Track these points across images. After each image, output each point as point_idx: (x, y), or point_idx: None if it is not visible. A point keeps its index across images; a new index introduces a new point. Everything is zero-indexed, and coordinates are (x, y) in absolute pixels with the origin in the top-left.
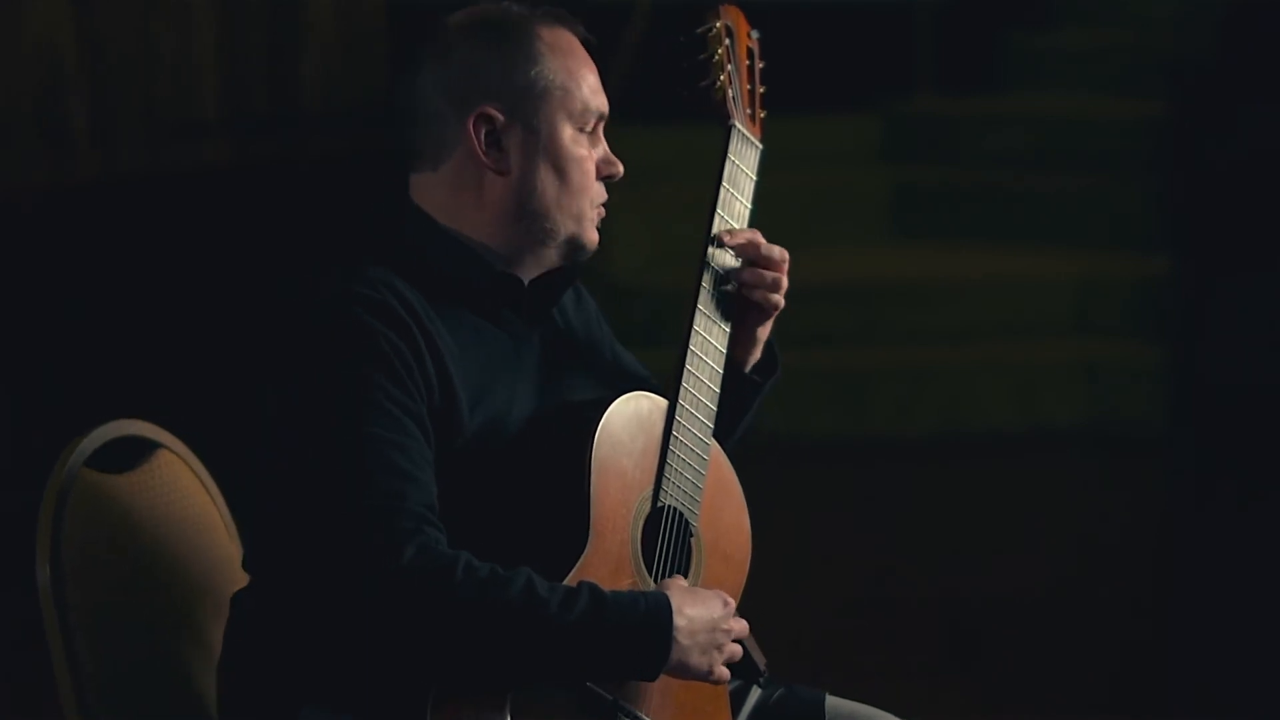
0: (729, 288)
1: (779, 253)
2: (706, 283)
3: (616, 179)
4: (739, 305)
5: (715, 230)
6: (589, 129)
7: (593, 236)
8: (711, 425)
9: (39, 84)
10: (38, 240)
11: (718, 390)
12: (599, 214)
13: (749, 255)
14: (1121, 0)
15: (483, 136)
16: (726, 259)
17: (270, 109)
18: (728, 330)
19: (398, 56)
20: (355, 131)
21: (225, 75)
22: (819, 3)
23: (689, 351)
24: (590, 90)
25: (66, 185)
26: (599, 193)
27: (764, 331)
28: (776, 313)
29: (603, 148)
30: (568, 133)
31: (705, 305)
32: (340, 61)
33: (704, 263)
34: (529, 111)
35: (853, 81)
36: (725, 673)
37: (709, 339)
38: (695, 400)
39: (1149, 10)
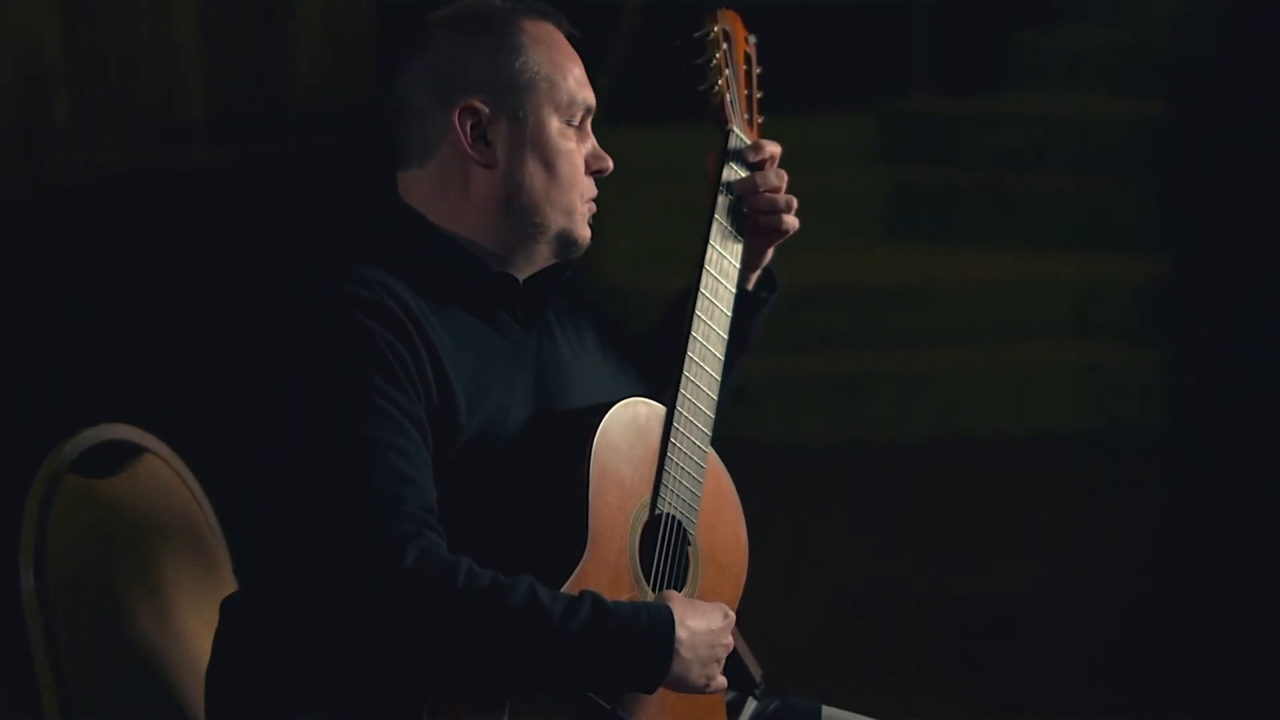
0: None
1: (774, 177)
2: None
3: (606, 174)
4: (751, 229)
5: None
6: (576, 122)
7: (584, 232)
8: (709, 433)
9: (24, 84)
10: (26, 242)
11: (715, 397)
12: (590, 209)
13: (755, 185)
14: (1121, 0)
15: (468, 130)
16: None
17: (259, 109)
18: (725, 337)
19: (388, 56)
20: (346, 131)
21: (213, 75)
22: (816, 1)
23: (687, 358)
24: (576, 83)
25: (52, 186)
26: (589, 187)
27: (769, 254)
28: (790, 234)
29: (591, 142)
30: (554, 125)
31: (704, 311)
32: (330, 61)
33: (702, 266)
34: (514, 104)
35: (850, 80)
36: (723, 682)
37: (708, 347)
38: (693, 407)
39: (1149, 10)
